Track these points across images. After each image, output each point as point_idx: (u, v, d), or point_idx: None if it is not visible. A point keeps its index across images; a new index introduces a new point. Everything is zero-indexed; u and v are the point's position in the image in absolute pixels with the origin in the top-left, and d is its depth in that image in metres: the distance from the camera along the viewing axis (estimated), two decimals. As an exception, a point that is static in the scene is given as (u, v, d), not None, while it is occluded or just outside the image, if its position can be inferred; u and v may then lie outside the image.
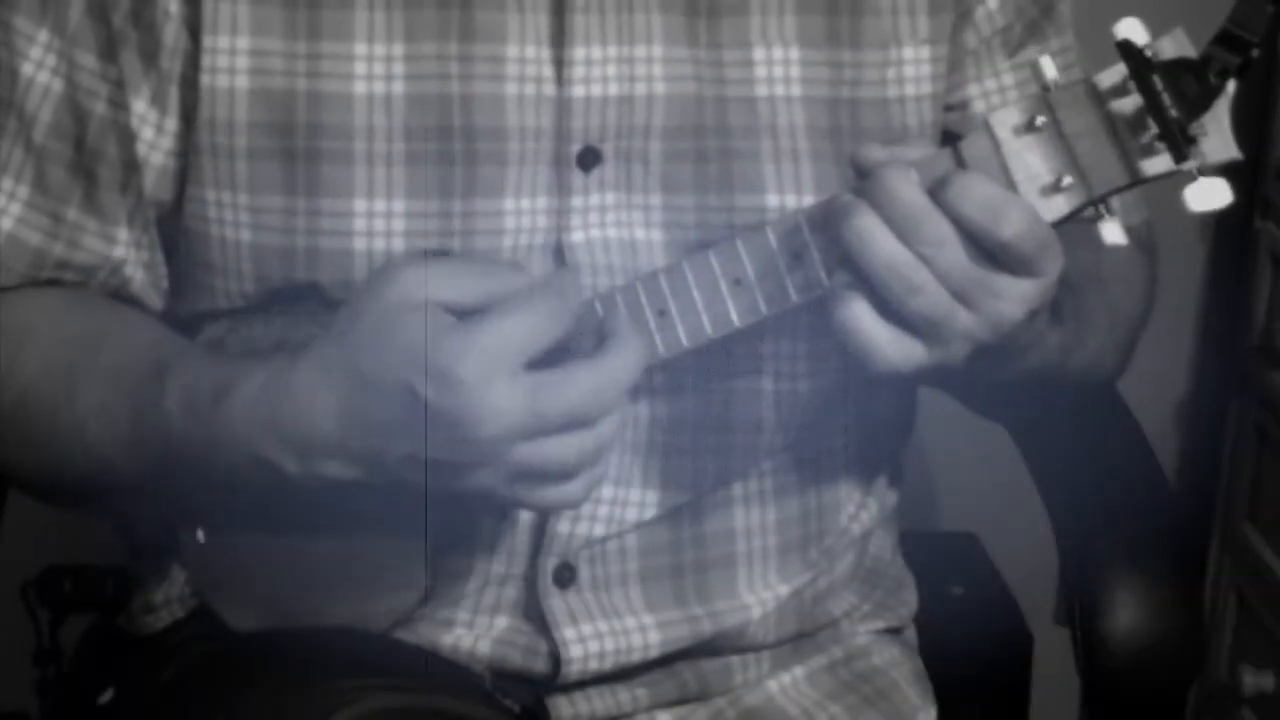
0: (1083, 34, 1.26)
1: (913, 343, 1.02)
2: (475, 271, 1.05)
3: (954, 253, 1.00)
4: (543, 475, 1.03)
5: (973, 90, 1.22)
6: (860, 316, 1.01)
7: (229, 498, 1.11)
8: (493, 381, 1.00)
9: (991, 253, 1.00)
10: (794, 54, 1.15)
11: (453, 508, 1.09)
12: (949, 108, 1.22)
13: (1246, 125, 1.02)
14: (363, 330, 1.02)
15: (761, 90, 1.15)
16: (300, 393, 1.04)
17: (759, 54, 1.15)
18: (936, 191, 1.00)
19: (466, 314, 1.02)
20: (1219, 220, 2.06)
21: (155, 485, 1.12)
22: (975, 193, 0.99)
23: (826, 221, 1.04)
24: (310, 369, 1.04)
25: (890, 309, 1.01)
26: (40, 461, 1.16)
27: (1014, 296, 1.01)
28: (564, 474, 1.03)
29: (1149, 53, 0.99)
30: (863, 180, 1.02)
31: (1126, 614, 1.30)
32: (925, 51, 1.18)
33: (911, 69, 1.18)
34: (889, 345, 1.02)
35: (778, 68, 1.15)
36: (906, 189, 1.00)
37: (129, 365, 1.11)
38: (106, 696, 1.29)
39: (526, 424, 1.01)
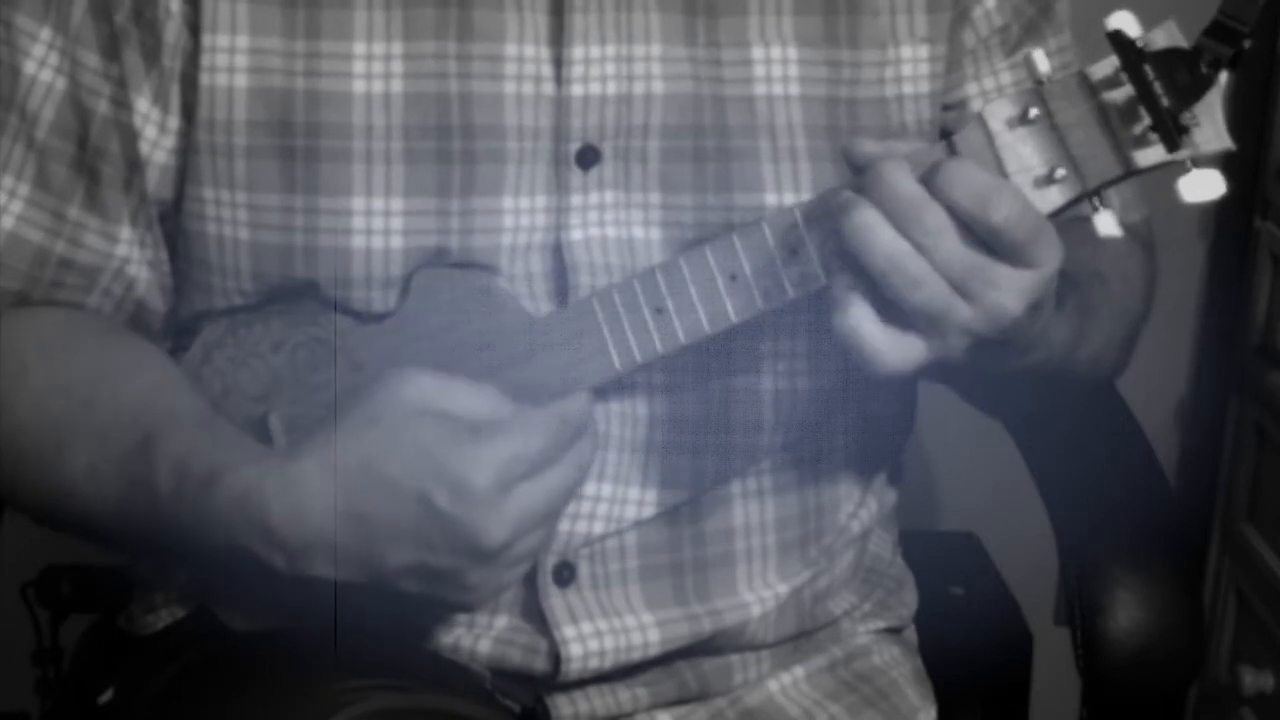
0: (1080, 34, 1.26)
1: (913, 341, 1.02)
2: (476, 391, 1.06)
3: (951, 241, 1.00)
4: (531, 555, 1.07)
5: (971, 89, 1.23)
6: (861, 321, 1.01)
7: (221, 569, 1.10)
8: (507, 491, 1.02)
9: (985, 240, 1.00)
10: (792, 53, 1.15)
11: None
12: (947, 107, 1.22)
13: (1246, 125, 1.02)
14: (376, 434, 1.03)
15: (759, 89, 1.15)
16: (297, 488, 1.03)
17: (757, 53, 1.15)
18: (927, 180, 1.00)
19: (470, 427, 1.04)
20: (1219, 220, 2.06)
21: (147, 546, 1.12)
22: (964, 179, 1.00)
23: (823, 217, 1.04)
24: (312, 466, 1.03)
25: (890, 306, 1.01)
26: (35, 504, 1.16)
27: (1012, 288, 1.01)
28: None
29: (1141, 44, 0.99)
30: (858, 174, 1.02)
31: (1126, 613, 1.30)
32: (923, 50, 1.18)
33: (909, 68, 1.18)
34: (890, 349, 1.02)
35: (775, 67, 1.15)
36: (903, 181, 1.00)
37: (118, 432, 1.10)
38: (106, 696, 1.29)
39: (528, 524, 1.04)
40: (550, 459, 1.04)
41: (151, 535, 1.10)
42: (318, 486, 1.03)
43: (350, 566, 1.04)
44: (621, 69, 1.13)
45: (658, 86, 1.14)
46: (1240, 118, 1.02)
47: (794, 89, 1.16)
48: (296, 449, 1.05)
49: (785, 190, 1.15)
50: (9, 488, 1.16)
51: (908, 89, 1.18)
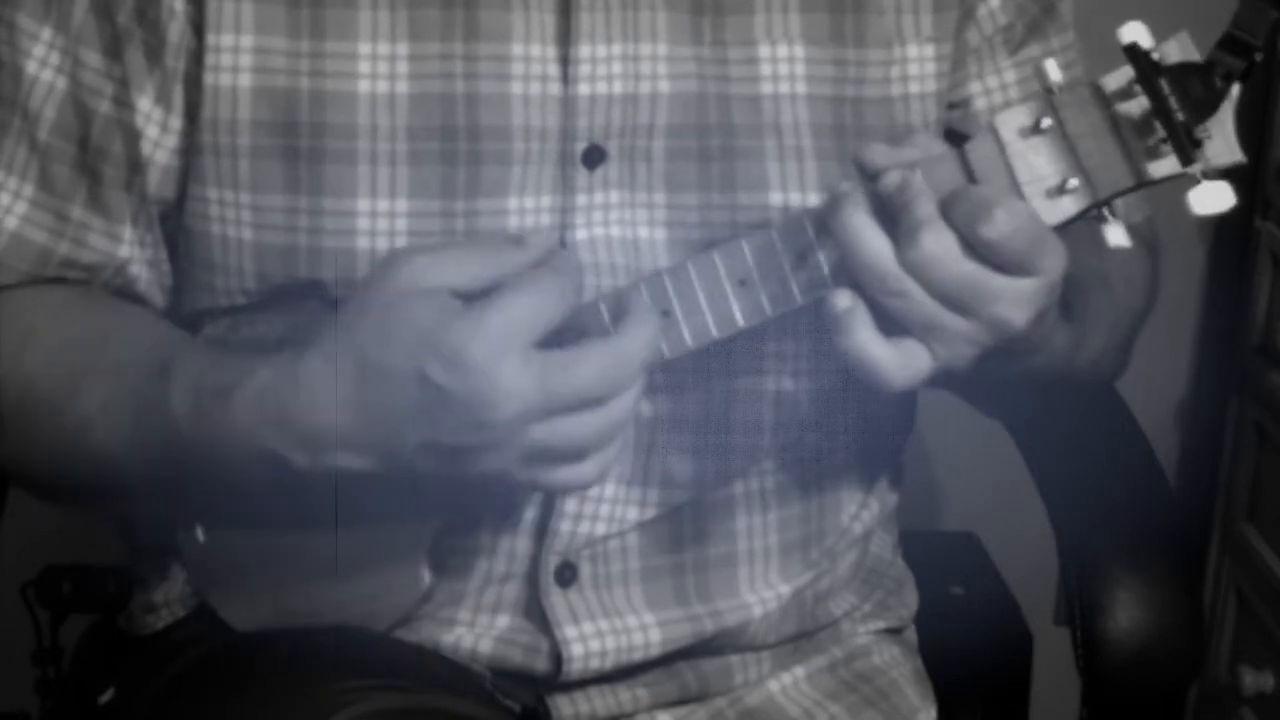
0: (1082, 33, 1.26)
1: (918, 354, 1.01)
2: (479, 255, 1.04)
3: (944, 268, 0.99)
4: (556, 455, 1.01)
5: (975, 88, 1.23)
6: (866, 342, 1.01)
7: (234, 496, 1.10)
8: (504, 362, 0.99)
9: (981, 255, 1.00)
10: (798, 52, 1.15)
11: (455, 502, 1.09)
12: (951, 105, 1.22)
13: (1247, 126, 1.03)
14: (370, 319, 1.02)
15: (766, 88, 1.15)
16: (309, 385, 1.02)
17: (764, 52, 1.15)
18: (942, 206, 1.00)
19: (473, 298, 1.01)
20: (1219, 220, 2.05)
21: (160, 483, 1.12)
22: (974, 198, 0.99)
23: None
24: (318, 360, 1.02)
25: (886, 318, 1.01)
26: (44, 461, 1.16)
27: (1013, 297, 1.01)
28: (577, 454, 1.02)
29: (1155, 56, 0.99)
30: (869, 182, 1.02)
31: (1126, 613, 1.30)
32: (929, 49, 1.18)
33: (915, 67, 1.18)
34: (897, 366, 1.01)
35: (782, 65, 1.15)
36: (871, 240, 1.00)
37: (132, 364, 1.11)
38: (106, 696, 1.29)
39: (539, 404, 0.99)
40: (556, 314, 1.01)
41: (164, 467, 1.09)
42: (327, 379, 1.02)
43: (369, 455, 1.02)
44: (628, 68, 1.13)
45: (664, 86, 1.13)
46: (1240, 118, 1.02)
47: (800, 88, 1.15)
48: (301, 349, 1.04)
49: (791, 189, 1.15)
50: (25, 450, 1.16)
51: (914, 88, 1.18)
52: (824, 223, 1.03)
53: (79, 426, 1.11)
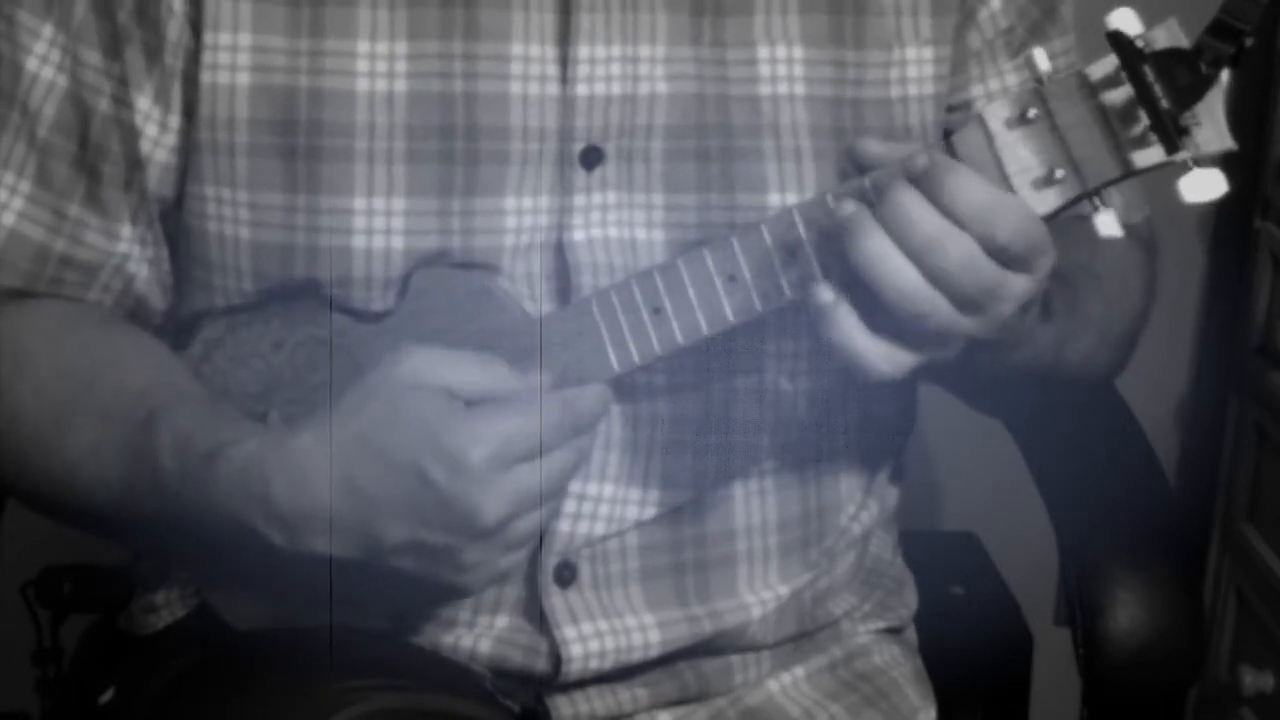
0: (1082, 34, 1.26)
1: (905, 352, 1.02)
2: (478, 363, 1.06)
3: (970, 273, 0.99)
4: (527, 539, 1.06)
5: (976, 91, 1.22)
6: (851, 334, 1.01)
7: (222, 550, 1.10)
8: (504, 470, 1.02)
9: (989, 255, 1.00)
10: (797, 53, 1.15)
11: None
12: (952, 108, 1.22)
13: (1246, 124, 1.02)
14: (377, 404, 1.03)
15: (765, 89, 1.15)
16: (298, 461, 1.03)
17: (763, 53, 1.15)
18: (928, 189, 1.00)
19: (469, 402, 1.04)
20: (1219, 220, 2.06)
21: (152, 527, 1.12)
22: (969, 194, 0.99)
23: (822, 218, 1.04)
24: (312, 440, 1.04)
25: (882, 318, 1.01)
26: (35, 490, 1.16)
27: (1011, 296, 1.01)
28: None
29: (1140, 43, 0.99)
30: (862, 175, 1.02)
31: (1126, 613, 1.30)
32: (928, 52, 1.18)
33: (914, 69, 1.18)
34: (884, 359, 1.02)
35: (781, 66, 1.15)
36: (926, 215, 0.99)
37: (121, 412, 1.11)
38: (106, 696, 1.29)
39: (524, 505, 1.04)
40: (551, 442, 1.04)
41: (153, 516, 1.10)
42: (317, 461, 1.03)
43: (348, 542, 1.04)
44: (627, 69, 1.13)
45: (662, 87, 1.14)
46: (1240, 117, 1.02)
47: (799, 89, 1.15)
48: (298, 425, 1.05)
49: (789, 190, 1.15)
50: (12, 474, 1.16)
51: (912, 90, 1.18)
52: (824, 227, 1.03)
53: (68, 470, 1.12)
